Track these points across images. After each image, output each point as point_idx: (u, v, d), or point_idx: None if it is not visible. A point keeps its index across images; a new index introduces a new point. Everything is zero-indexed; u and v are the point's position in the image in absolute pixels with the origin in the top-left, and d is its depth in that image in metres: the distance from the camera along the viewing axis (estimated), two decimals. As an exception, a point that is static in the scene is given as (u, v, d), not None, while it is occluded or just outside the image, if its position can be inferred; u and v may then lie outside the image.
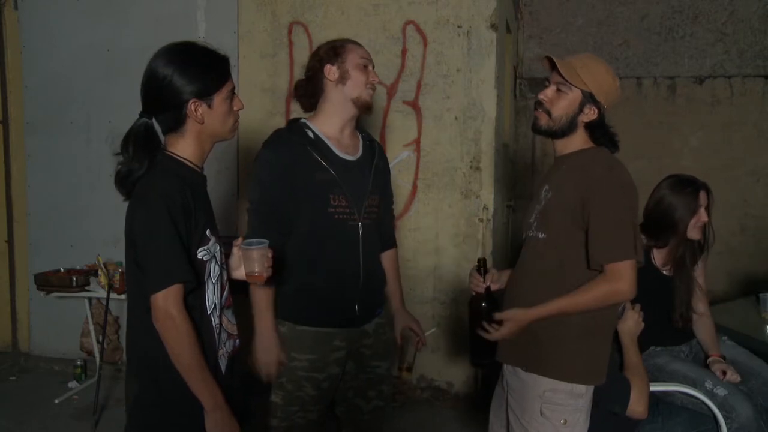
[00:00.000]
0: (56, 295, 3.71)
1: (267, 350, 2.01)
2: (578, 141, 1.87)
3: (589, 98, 1.82)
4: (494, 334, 1.84)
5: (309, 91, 2.10)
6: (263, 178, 2.04)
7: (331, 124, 2.08)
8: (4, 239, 4.35)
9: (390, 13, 3.59)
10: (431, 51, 3.56)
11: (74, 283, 3.60)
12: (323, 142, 2.05)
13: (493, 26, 3.48)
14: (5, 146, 4.29)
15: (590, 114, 1.83)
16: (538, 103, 1.87)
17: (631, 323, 2.24)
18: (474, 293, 2.00)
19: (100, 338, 3.81)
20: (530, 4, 4.82)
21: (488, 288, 1.99)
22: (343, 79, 2.04)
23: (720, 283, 4.22)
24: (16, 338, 4.41)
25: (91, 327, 3.97)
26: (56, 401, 3.73)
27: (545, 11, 4.79)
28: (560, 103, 1.83)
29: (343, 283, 2.03)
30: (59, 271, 3.72)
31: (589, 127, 1.85)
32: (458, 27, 3.51)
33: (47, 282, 3.66)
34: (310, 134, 2.05)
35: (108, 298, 3.53)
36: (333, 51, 2.05)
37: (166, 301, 1.45)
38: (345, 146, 2.10)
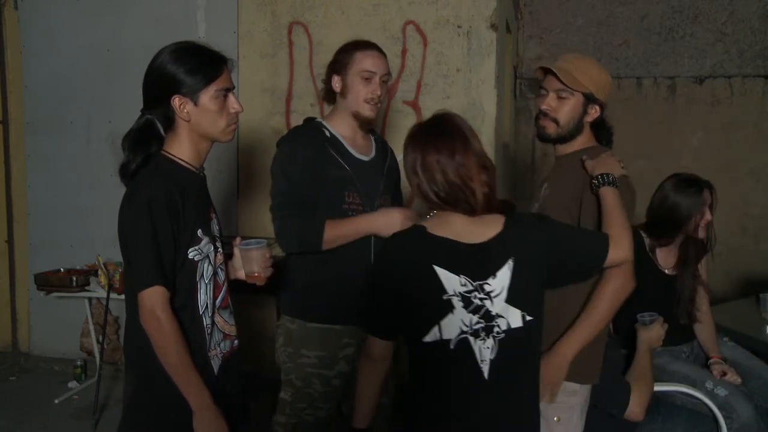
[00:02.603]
0: (56, 295, 3.70)
1: (388, 220, 1.96)
2: (581, 141, 1.90)
3: (590, 98, 1.85)
4: (546, 398, 1.72)
5: (327, 94, 2.15)
6: (287, 169, 2.01)
7: (344, 127, 2.10)
8: (4, 239, 4.35)
9: (390, 13, 3.58)
10: (431, 51, 3.56)
11: (74, 283, 3.60)
12: (339, 140, 2.08)
13: (493, 26, 3.48)
14: (5, 146, 4.29)
15: (594, 113, 1.87)
16: (542, 113, 1.89)
17: (655, 335, 2.26)
18: None
19: (100, 338, 3.81)
20: (530, 4, 4.82)
21: None
22: (344, 92, 2.05)
23: (720, 283, 4.21)
24: (16, 338, 4.41)
25: (91, 327, 3.96)
26: (56, 401, 3.73)
27: (545, 11, 4.79)
28: (565, 109, 1.86)
29: (353, 280, 2.02)
30: (59, 271, 3.72)
31: (593, 125, 1.89)
32: (458, 27, 3.51)
33: (47, 282, 3.66)
34: (327, 133, 2.07)
35: (108, 298, 3.52)
36: (342, 58, 2.06)
37: (151, 301, 1.46)
38: (359, 147, 2.12)
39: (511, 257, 1.49)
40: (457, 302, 1.46)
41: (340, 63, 2.06)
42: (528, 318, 1.50)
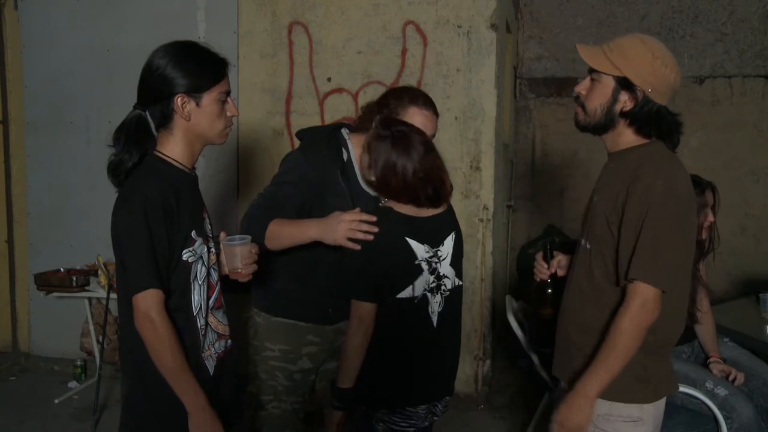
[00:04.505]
0: (56, 295, 3.70)
1: (331, 224, 1.81)
2: (628, 136, 1.65)
3: (623, 84, 1.60)
4: None
5: (363, 120, 2.03)
6: (286, 176, 1.98)
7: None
8: (4, 239, 4.35)
9: (390, 13, 3.59)
10: (431, 51, 3.56)
11: (74, 283, 3.60)
12: (353, 167, 2.02)
13: (493, 26, 3.48)
14: (5, 146, 4.29)
15: (626, 102, 1.61)
16: (576, 98, 1.70)
17: None
18: (539, 280, 1.94)
19: (100, 338, 3.80)
20: (530, 4, 4.82)
21: (554, 275, 1.92)
22: None
23: (720, 283, 4.22)
24: (16, 338, 4.41)
25: (91, 327, 3.97)
26: (56, 401, 3.73)
27: (545, 11, 4.79)
28: (593, 94, 1.64)
29: (322, 295, 2.04)
30: (59, 271, 3.72)
31: (629, 117, 1.62)
32: (458, 27, 3.51)
33: (47, 282, 3.66)
34: (345, 156, 2.01)
35: (108, 298, 3.52)
36: (394, 105, 1.96)
37: (146, 304, 1.45)
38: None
39: (453, 230, 1.91)
40: (424, 266, 1.82)
41: (391, 109, 1.96)
42: (458, 282, 1.92)
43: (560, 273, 1.92)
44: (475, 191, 3.56)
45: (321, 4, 3.67)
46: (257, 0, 3.77)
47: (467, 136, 3.55)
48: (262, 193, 2.01)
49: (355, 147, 2.03)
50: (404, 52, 3.59)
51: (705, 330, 2.58)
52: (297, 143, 2.11)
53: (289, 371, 2.07)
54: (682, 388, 2.32)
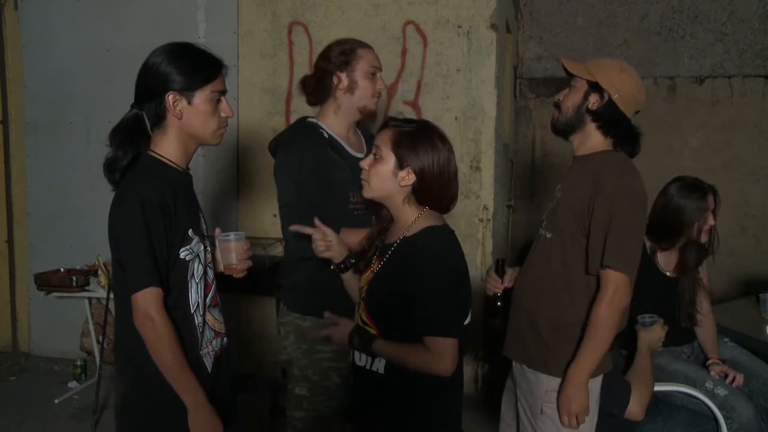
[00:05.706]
0: (56, 295, 3.70)
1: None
2: (594, 140, 1.88)
3: (593, 87, 1.84)
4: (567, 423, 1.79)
5: (317, 90, 2.14)
6: (295, 176, 2.03)
7: (339, 125, 2.14)
8: (4, 239, 4.35)
9: (390, 13, 3.59)
10: (431, 51, 3.56)
11: (74, 283, 3.60)
12: (337, 141, 2.11)
13: (493, 26, 3.48)
14: (5, 146, 4.29)
15: (594, 102, 1.84)
16: (555, 104, 1.94)
17: (655, 337, 2.27)
18: (491, 294, 2.03)
19: (100, 338, 3.80)
20: (530, 4, 4.82)
21: (505, 289, 2.02)
22: (351, 88, 2.09)
23: (720, 283, 4.22)
24: (16, 338, 4.41)
25: (91, 327, 3.97)
26: (56, 401, 3.73)
27: (545, 11, 4.79)
28: (568, 97, 1.90)
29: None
30: (59, 271, 3.71)
31: (595, 114, 1.84)
32: (458, 27, 3.51)
33: (47, 282, 3.66)
34: (325, 134, 2.10)
35: (108, 298, 3.52)
36: (343, 57, 2.09)
37: (145, 302, 1.46)
38: (353, 144, 2.16)
39: None
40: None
41: (343, 61, 2.09)
42: None
43: (510, 285, 2.04)
44: (475, 191, 3.56)
45: (321, 4, 3.67)
46: (257, 0, 3.77)
47: (467, 136, 3.55)
48: (291, 202, 2.03)
49: (329, 125, 2.11)
50: (404, 52, 3.59)
51: (705, 332, 2.58)
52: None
53: (341, 369, 2.09)
54: (682, 388, 2.33)
